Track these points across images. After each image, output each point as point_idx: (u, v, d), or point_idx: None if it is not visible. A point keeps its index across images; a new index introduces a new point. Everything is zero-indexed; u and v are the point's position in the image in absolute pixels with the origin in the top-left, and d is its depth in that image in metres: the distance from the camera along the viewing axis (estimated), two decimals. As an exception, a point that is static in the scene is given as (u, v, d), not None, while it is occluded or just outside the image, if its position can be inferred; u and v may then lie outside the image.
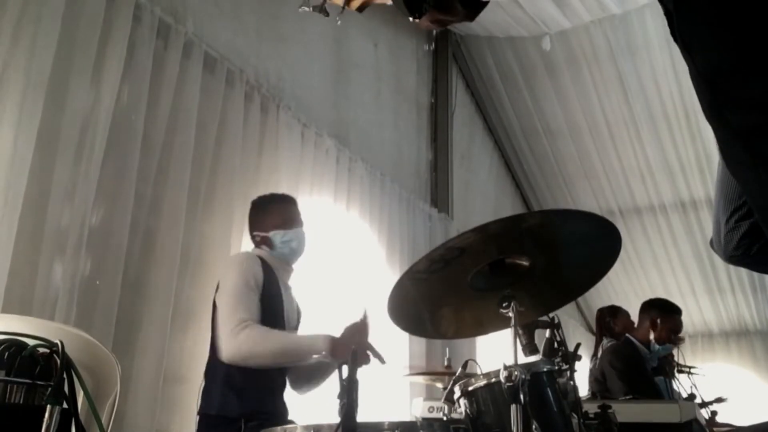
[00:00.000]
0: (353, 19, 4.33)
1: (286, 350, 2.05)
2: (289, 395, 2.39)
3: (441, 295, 1.71)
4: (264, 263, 2.30)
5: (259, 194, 2.63)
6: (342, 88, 4.19)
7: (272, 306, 2.23)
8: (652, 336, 3.57)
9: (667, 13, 0.80)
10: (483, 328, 1.84)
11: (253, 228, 2.46)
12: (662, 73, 5.12)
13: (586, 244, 1.66)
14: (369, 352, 2.08)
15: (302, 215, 2.49)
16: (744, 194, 1.05)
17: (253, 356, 2.06)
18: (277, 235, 2.35)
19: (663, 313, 3.62)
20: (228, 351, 2.05)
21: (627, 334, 3.70)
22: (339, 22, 1.02)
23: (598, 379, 3.56)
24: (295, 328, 2.38)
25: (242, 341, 2.02)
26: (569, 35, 5.12)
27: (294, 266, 2.45)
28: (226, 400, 2.11)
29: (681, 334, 3.66)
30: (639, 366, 3.51)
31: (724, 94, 0.74)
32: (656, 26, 4.70)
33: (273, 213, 2.42)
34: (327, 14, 1.00)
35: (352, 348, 1.91)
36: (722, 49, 0.73)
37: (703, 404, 3.92)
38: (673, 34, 0.80)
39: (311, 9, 0.97)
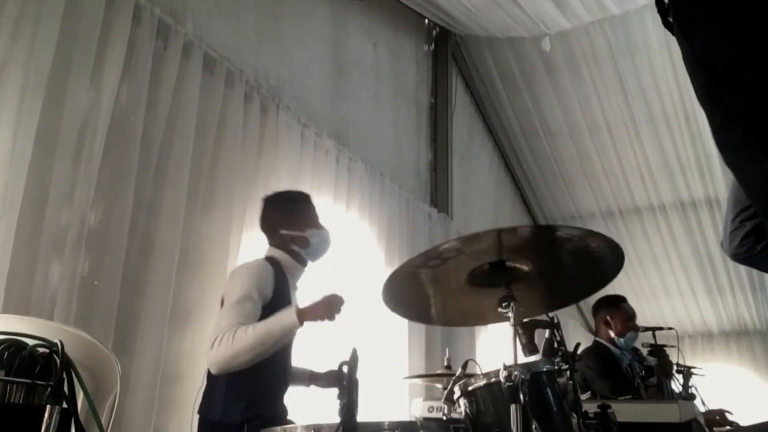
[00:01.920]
0: (352, 19, 4.33)
1: (258, 337, 1.98)
2: (289, 396, 2.40)
3: (440, 283, 1.71)
4: (278, 268, 2.27)
5: (259, 194, 2.62)
6: (341, 88, 4.19)
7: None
8: (612, 334, 3.61)
9: None
10: (481, 319, 1.85)
11: (279, 225, 2.37)
12: (662, 74, 5.12)
13: (589, 259, 1.66)
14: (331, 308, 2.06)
15: None
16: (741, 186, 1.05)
17: (233, 358, 2.00)
18: (314, 236, 2.35)
19: (610, 309, 3.67)
20: (212, 364, 2.01)
21: (595, 338, 3.73)
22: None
23: (580, 384, 3.57)
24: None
25: (216, 351, 1.99)
26: (569, 36, 5.12)
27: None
28: (229, 406, 2.08)
29: (636, 320, 3.68)
30: (614, 364, 3.55)
31: (722, 76, 0.71)
32: (656, 27, 4.70)
33: (305, 212, 2.40)
34: None
35: (320, 308, 1.96)
36: (723, 29, 0.71)
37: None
38: (664, 17, 0.79)
39: None
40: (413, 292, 1.76)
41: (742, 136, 0.71)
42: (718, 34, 0.72)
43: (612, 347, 3.61)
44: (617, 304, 3.69)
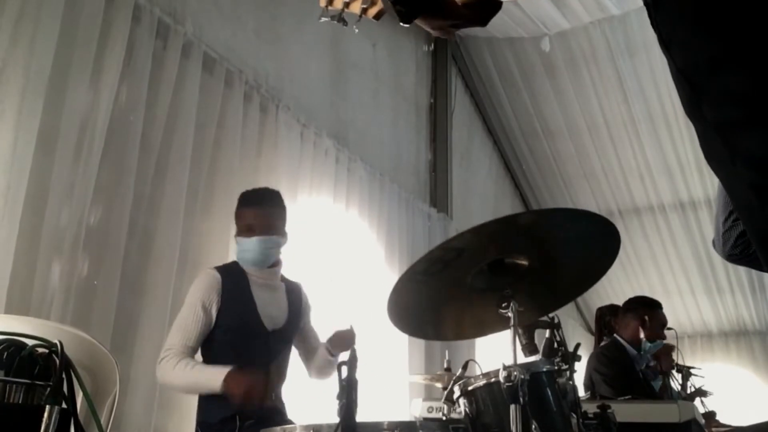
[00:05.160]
0: (352, 20, 4.33)
1: (188, 384, 2.12)
2: (288, 395, 2.39)
3: (441, 296, 1.70)
4: (233, 272, 2.28)
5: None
6: (341, 88, 4.19)
7: (241, 314, 2.23)
8: (642, 335, 3.53)
9: (648, 7, 0.80)
10: (483, 330, 1.84)
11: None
12: (661, 74, 5.11)
13: (585, 244, 1.66)
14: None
15: (269, 219, 2.30)
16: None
17: (168, 386, 2.24)
18: (238, 243, 2.31)
19: (650, 310, 3.58)
20: (157, 377, 2.16)
21: (615, 335, 3.65)
22: (356, 30, 1.03)
23: (586, 384, 3.53)
24: (285, 327, 2.35)
25: (159, 372, 2.13)
26: (568, 36, 5.12)
27: (277, 266, 2.37)
28: (208, 406, 2.12)
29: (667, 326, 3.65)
30: (626, 368, 3.46)
31: (702, 89, 0.74)
32: (655, 27, 4.69)
33: (240, 217, 2.34)
34: (345, 23, 1.01)
35: (242, 387, 1.94)
36: (700, 43, 0.73)
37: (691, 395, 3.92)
38: (653, 27, 0.80)
39: (330, 19, 0.98)
40: (418, 308, 1.75)
41: (722, 147, 0.73)
42: (696, 49, 0.74)
43: (630, 348, 3.52)
44: (655, 307, 3.60)
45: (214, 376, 2.02)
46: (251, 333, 2.23)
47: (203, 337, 2.18)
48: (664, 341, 3.62)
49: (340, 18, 1.00)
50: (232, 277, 2.27)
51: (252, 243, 2.27)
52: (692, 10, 0.74)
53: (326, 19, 0.99)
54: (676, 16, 0.75)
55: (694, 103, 0.75)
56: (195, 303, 2.18)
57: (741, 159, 0.71)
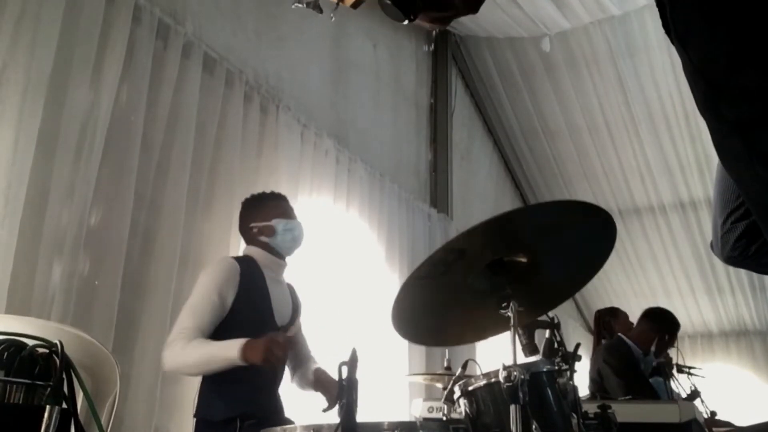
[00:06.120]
0: (352, 20, 4.33)
1: (202, 360, 2.04)
2: (286, 393, 2.39)
3: (443, 302, 1.70)
4: (249, 264, 2.28)
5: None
6: (341, 88, 4.19)
7: (257, 307, 2.23)
8: (654, 347, 3.60)
9: (660, 5, 0.79)
10: (484, 333, 1.83)
11: (249, 220, 2.40)
12: (661, 74, 5.12)
13: (581, 235, 1.65)
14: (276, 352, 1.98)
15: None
16: (740, 193, 1.05)
17: (179, 368, 2.11)
18: (279, 223, 2.36)
19: (675, 331, 3.70)
20: (163, 362, 2.08)
21: (620, 334, 3.71)
22: (333, 19, 1.02)
23: (594, 379, 3.56)
24: (289, 324, 2.36)
25: (168, 354, 2.06)
26: (569, 36, 5.12)
27: (287, 260, 2.43)
28: (212, 404, 2.11)
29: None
30: (633, 365, 3.53)
31: (719, 86, 0.73)
32: (656, 27, 4.70)
33: (272, 205, 2.42)
34: (321, 11, 1.00)
35: (262, 350, 1.92)
36: (718, 40, 0.72)
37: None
38: (665, 26, 0.79)
39: (305, 5, 0.97)
40: (421, 314, 1.74)
41: (740, 145, 0.72)
42: (714, 46, 0.73)
43: (635, 348, 3.58)
44: (677, 330, 3.73)
45: (231, 345, 1.98)
46: (264, 327, 2.22)
47: (215, 326, 2.14)
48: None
49: (316, 5, 0.98)
50: (250, 268, 2.27)
51: (296, 223, 2.41)
52: (711, 5, 0.73)
53: (300, 5, 0.98)
54: (694, 11, 0.74)
55: (710, 100, 0.74)
56: (210, 290, 2.15)
57: (759, 157, 0.71)
